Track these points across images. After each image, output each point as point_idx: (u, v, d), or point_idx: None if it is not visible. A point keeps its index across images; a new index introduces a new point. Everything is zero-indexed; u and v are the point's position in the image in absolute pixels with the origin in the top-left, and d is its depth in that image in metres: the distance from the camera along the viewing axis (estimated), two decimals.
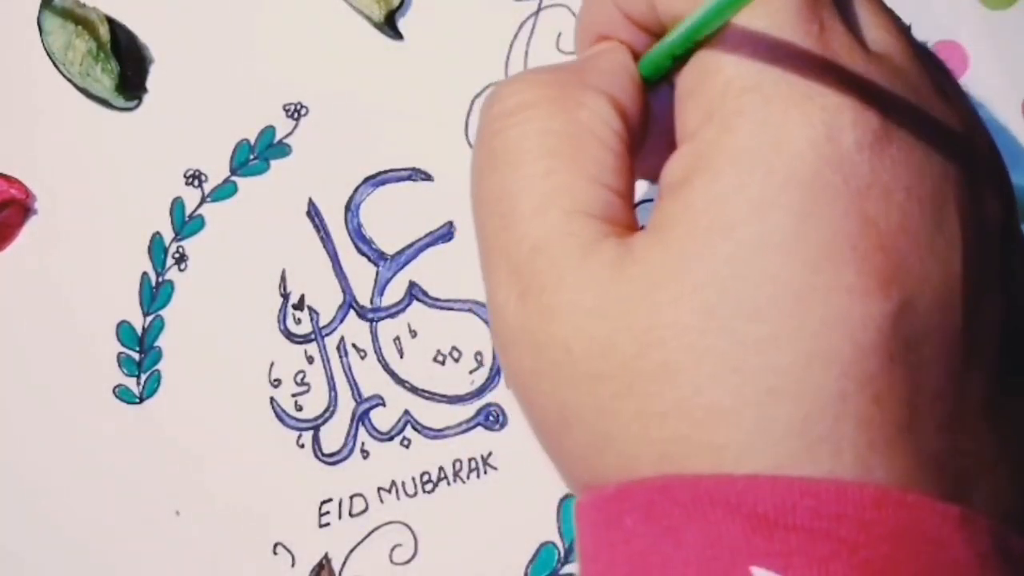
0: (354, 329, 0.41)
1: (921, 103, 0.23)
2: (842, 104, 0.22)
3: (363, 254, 0.41)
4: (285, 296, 0.41)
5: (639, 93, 0.26)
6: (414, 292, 0.41)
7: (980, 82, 0.41)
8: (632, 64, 0.26)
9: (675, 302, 0.22)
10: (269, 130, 0.42)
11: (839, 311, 0.21)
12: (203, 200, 0.42)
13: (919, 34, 0.41)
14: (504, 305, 0.24)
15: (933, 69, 0.25)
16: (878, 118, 0.22)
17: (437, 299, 0.41)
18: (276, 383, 0.41)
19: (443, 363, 0.40)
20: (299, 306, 0.41)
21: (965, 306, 0.22)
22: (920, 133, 0.23)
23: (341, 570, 0.40)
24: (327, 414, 0.41)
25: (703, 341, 0.22)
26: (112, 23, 0.42)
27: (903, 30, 0.25)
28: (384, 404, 0.41)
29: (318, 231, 0.41)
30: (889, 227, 0.22)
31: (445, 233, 0.41)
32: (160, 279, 0.41)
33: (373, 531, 0.40)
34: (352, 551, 0.40)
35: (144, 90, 0.42)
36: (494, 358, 0.40)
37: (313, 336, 0.41)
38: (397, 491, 0.40)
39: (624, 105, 0.25)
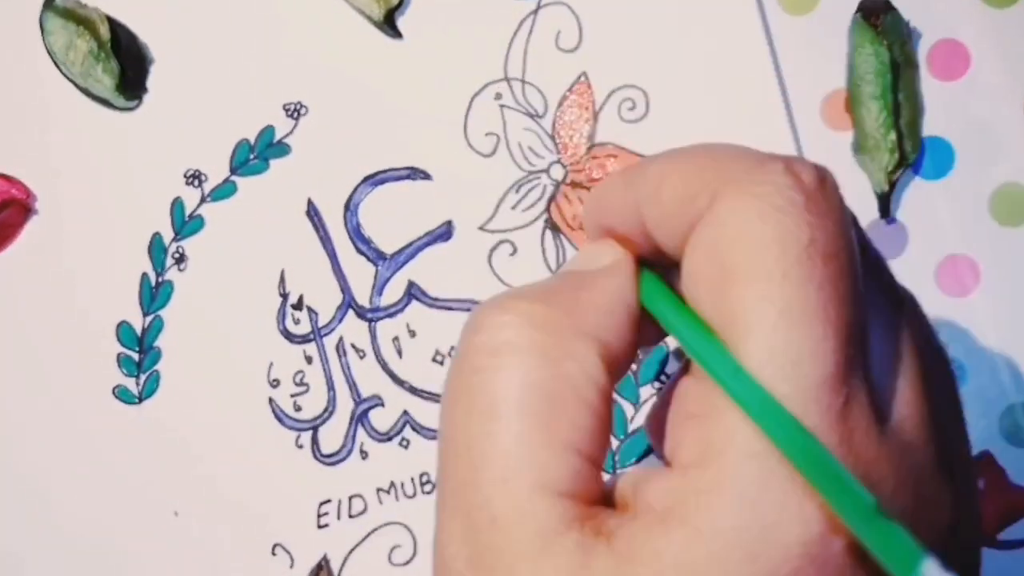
0: (353, 329, 0.41)
1: (919, 485, 0.22)
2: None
3: (362, 254, 0.41)
4: (284, 296, 0.41)
5: (632, 327, 0.25)
6: (413, 292, 0.41)
7: (982, 81, 0.40)
8: (631, 294, 0.25)
9: None
10: (269, 130, 0.42)
11: None
12: (203, 200, 0.42)
13: (920, 34, 0.41)
14: (452, 560, 0.23)
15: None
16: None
17: (436, 299, 0.41)
18: (275, 383, 0.41)
19: (442, 363, 0.40)
20: (298, 306, 0.41)
21: None
22: (908, 519, 0.21)
23: (340, 571, 0.40)
24: (326, 414, 0.41)
25: None
26: (113, 23, 0.42)
27: (927, 398, 0.23)
28: (383, 404, 0.40)
29: (317, 231, 0.41)
30: None
31: (444, 232, 0.41)
32: (160, 279, 0.41)
33: (372, 532, 0.40)
34: (351, 552, 0.40)
35: (144, 90, 0.42)
36: None
37: (312, 336, 0.41)
38: (396, 492, 0.40)
39: (614, 351, 0.24)
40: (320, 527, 0.40)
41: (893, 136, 0.39)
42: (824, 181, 0.23)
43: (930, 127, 0.41)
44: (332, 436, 0.40)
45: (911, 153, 0.40)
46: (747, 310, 0.22)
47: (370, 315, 0.41)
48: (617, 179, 0.25)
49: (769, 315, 0.21)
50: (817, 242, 0.22)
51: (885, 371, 0.23)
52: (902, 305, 0.25)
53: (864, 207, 0.40)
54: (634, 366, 0.40)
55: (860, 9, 0.40)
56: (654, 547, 0.21)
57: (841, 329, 0.21)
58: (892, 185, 0.40)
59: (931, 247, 0.40)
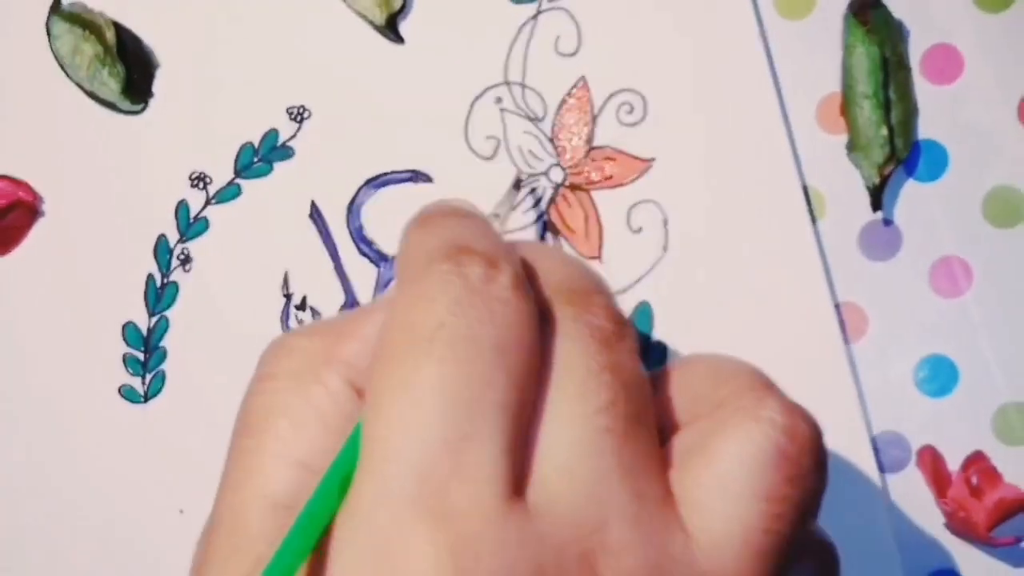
0: None
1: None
2: (421, 565, 0.21)
3: (364, 255, 0.41)
4: (288, 297, 0.41)
5: None
6: None
7: (975, 84, 0.41)
8: None
9: None
10: (272, 133, 0.42)
11: None
12: (208, 202, 0.42)
13: (913, 38, 0.41)
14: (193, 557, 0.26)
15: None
16: None
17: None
18: None
19: None
20: (302, 307, 0.41)
21: None
22: None
23: None
24: None
25: None
26: (119, 28, 0.42)
27: (599, 454, 0.23)
28: None
29: (320, 232, 0.41)
30: None
31: None
32: (165, 280, 0.42)
33: None
34: None
35: (150, 94, 0.42)
36: None
37: None
38: None
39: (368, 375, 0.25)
40: None
41: (884, 131, 0.40)
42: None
43: (924, 130, 0.41)
44: None
45: (902, 150, 0.40)
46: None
47: None
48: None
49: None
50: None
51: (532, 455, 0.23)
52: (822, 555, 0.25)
53: (857, 207, 0.41)
54: None
55: (851, 6, 0.40)
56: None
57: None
58: (883, 180, 0.40)
59: (925, 249, 0.41)
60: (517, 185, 0.41)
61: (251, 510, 0.24)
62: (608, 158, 0.41)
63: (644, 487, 0.23)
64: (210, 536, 0.26)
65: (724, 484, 0.23)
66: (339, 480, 0.23)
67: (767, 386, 0.25)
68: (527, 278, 0.25)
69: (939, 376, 0.40)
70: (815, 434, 0.24)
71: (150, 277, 0.42)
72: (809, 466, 0.24)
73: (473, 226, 0.26)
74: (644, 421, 0.24)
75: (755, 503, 0.23)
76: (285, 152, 0.42)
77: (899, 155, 0.40)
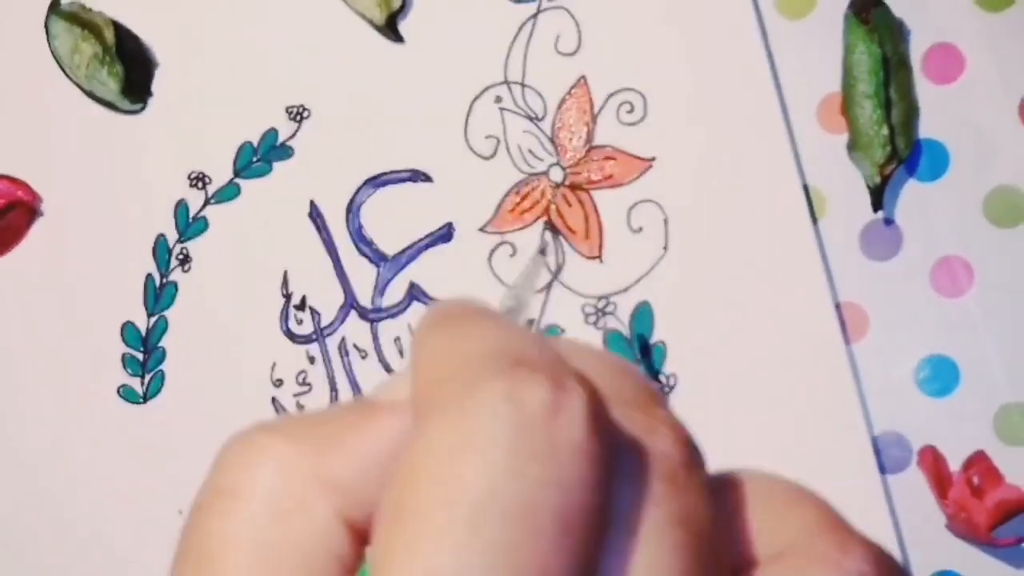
0: (355, 329, 0.41)
1: None
2: None
3: (364, 255, 0.41)
4: (287, 297, 0.41)
5: None
6: (414, 293, 0.41)
7: (976, 84, 0.41)
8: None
9: None
10: (271, 132, 0.42)
11: None
12: (207, 202, 0.42)
13: (914, 37, 0.41)
14: None
15: None
16: None
17: (437, 299, 0.41)
18: (278, 383, 0.41)
19: None
20: (301, 307, 0.41)
21: None
22: None
23: None
24: None
25: None
26: (118, 27, 0.42)
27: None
28: None
29: (320, 232, 0.41)
30: None
31: (445, 234, 0.41)
32: (164, 280, 0.42)
33: None
34: None
35: (149, 93, 0.42)
36: None
37: (315, 336, 0.41)
38: None
39: (366, 506, 0.20)
40: None
41: (885, 131, 0.40)
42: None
43: (925, 130, 0.41)
44: None
45: (904, 149, 0.40)
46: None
47: (372, 316, 0.41)
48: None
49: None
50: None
51: None
52: None
53: (858, 207, 0.41)
54: None
55: (851, 5, 0.40)
56: None
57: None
58: (884, 179, 0.40)
59: (926, 248, 0.40)
60: (543, 251, 0.40)
61: None
62: (608, 157, 0.41)
63: None
64: None
65: None
66: None
67: (843, 528, 0.22)
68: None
69: (940, 376, 0.40)
70: None
71: (149, 277, 0.42)
72: None
73: (518, 329, 0.21)
74: (716, 565, 0.20)
75: None
76: (284, 152, 0.42)
77: (900, 155, 0.40)
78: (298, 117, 0.42)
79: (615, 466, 0.19)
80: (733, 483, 0.22)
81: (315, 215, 0.42)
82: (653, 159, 0.41)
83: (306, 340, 0.41)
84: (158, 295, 0.42)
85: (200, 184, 0.42)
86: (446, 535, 0.18)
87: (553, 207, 0.41)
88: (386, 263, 0.41)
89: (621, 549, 0.19)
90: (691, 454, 0.20)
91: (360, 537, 0.20)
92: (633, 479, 0.19)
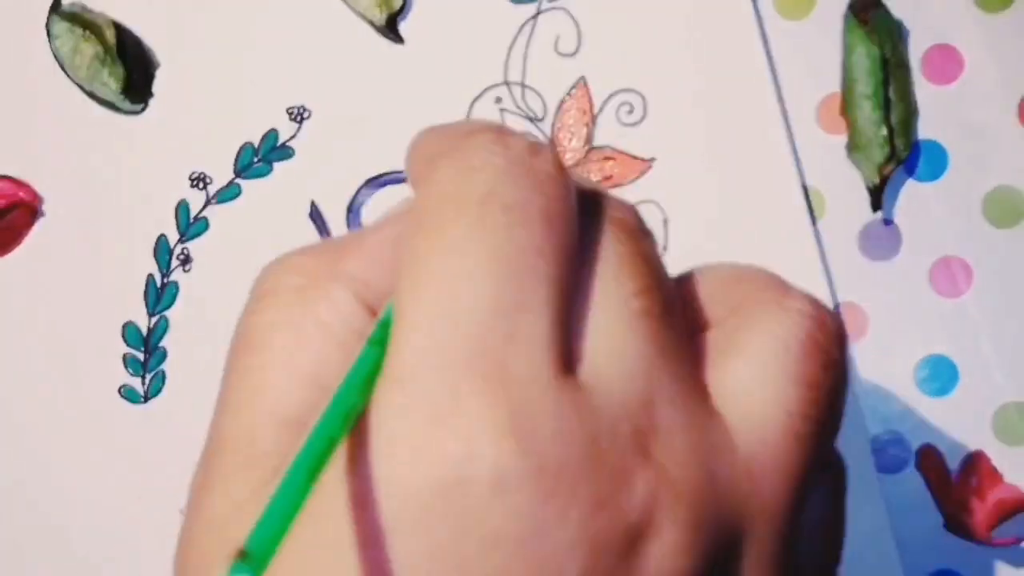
0: None
1: (589, 447, 0.21)
2: (481, 428, 0.20)
3: None
4: None
5: None
6: None
7: (975, 85, 0.41)
8: None
9: None
10: (272, 133, 0.42)
11: None
12: (208, 202, 0.42)
13: (913, 38, 0.41)
14: (191, 485, 0.25)
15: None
16: (514, 459, 0.20)
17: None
18: None
19: None
20: None
21: None
22: (563, 483, 0.20)
23: None
24: None
25: None
26: (119, 28, 0.42)
27: (640, 336, 0.22)
28: None
29: (320, 232, 0.41)
30: (482, 574, 0.20)
31: None
32: (165, 280, 0.42)
33: None
34: None
35: (150, 94, 0.42)
36: None
37: None
38: None
39: (380, 292, 0.24)
40: None
41: (884, 131, 0.40)
42: (536, 149, 0.23)
43: (924, 130, 0.41)
44: None
45: (902, 150, 0.40)
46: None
47: None
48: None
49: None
50: (497, 194, 0.22)
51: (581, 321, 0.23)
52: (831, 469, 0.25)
53: (857, 207, 0.41)
54: None
55: (851, 6, 0.40)
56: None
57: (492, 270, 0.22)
58: (883, 180, 0.40)
59: (925, 249, 0.41)
60: None
61: (259, 428, 0.23)
62: (608, 158, 0.41)
63: (682, 372, 0.23)
64: (211, 459, 0.24)
65: (761, 370, 0.23)
66: (370, 364, 0.21)
67: (786, 284, 0.25)
68: None
69: (939, 376, 0.40)
70: (840, 326, 0.24)
71: (150, 277, 0.42)
72: (839, 356, 0.24)
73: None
74: (675, 311, 0.23)
75: (793, 388, 0.23)
76: (285, 152, 0.42)
77: (899, 155, 0.40)
78: (299, 118, 0.42)
79: (585, 223, 0.23)
80: (687, 273, 0.26)
81: (315, 215, 0.42)
82: (653, 160, 0.41)
83: None
84: (159, 295, 0.42)
85: (201, 184, 0.42)
86: (459, 222, 0.22)
87: None
88: None
89: (596, 268, 0.23)
90: (645, 226, 0.24)
91: (372, 307, 0.24)
92: (599, 229, 0.23)
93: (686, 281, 0.26)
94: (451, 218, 0.22)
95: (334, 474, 0.21)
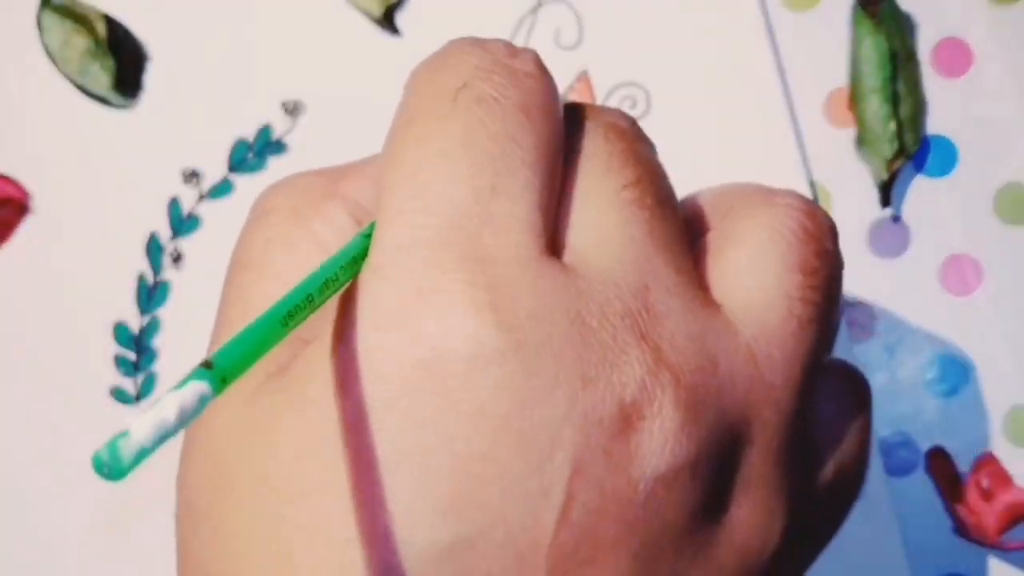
0: None
1: (574, 325, 0.21)
2: (458, 305, 0.21)
3: None
4: None
5: None
6: None
7: (986, 78, 0.40)
8: None
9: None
10: (266, 128, 0.41)
11: (382, 526, 0.20)
12: (200, 199, 0.41)
13: (922, 31, 0.40)
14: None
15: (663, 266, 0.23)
16: (491, 332, 0.20)
17: None
18: None
19: None
20: None
21: (552, 569, 0.21)
22: (545, 359, 0.21)
23: None
24: None
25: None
26: (110, 21, 0.42)
27: (631, 222, 0.23)
28: None
29: None
30: (469, 452, 0.20)
31: None
32: (156, 279, 0.41)
33: None
34: None
35: (141, 88, 0.42)
36: None
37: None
38: None
39: (373, 214, 0.24)
40: None
41: (892, 126, 0.39)
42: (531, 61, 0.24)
43: (933, 125, 0.40)
44: None
45: (912, 145, 0.40)
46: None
47: None
48: None
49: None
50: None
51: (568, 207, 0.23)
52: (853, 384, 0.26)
53: (865, 203, 0.40)
54: None
55: None
56: (300, 365, 0.23)
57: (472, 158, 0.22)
58: (892, 175, 0.40)
59: (934, 246, 0.40)
60: None
61: None
62: None
63: (680, 263, 0.23)
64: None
65: (758, 258, 0.23)
66: (350, 257, 0.22)
67: (775, 188, 0.26)
68: None
69: (949, 376, 0.40)
70: (829, 219, 0.25)
71: (141, 276, 0.41)
72: (831, 246, 0.24)
73: None
74: (671, 205, 0.24)
75: (790, 274, 0.23)
76: (279, 147, 0.41)
77: (908, 150, 0.40)
78: (293, 112, 0.41)
79: (577, 128, 0.24)
80: (691, 192, 0.26)
81: None
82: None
83: None
84: (150, 294, 0.41)
85: (193, 180, 0.41)
86: (432, 114, 0.23)
87: None
88: None
89: (586, 164, 0.23)
90: (641, 131, 0.24)
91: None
92: (591, 131, 0.24)
93: (685, 200, 0.26)
94: (423, 112, 0.23)
95: (320, 358, 0.22)
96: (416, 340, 0.21)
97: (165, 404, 0.18)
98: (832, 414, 0.25)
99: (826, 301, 0.24)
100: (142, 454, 0.17)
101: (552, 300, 0.21)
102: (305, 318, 0.21)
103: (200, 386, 0.18)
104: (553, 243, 0.22)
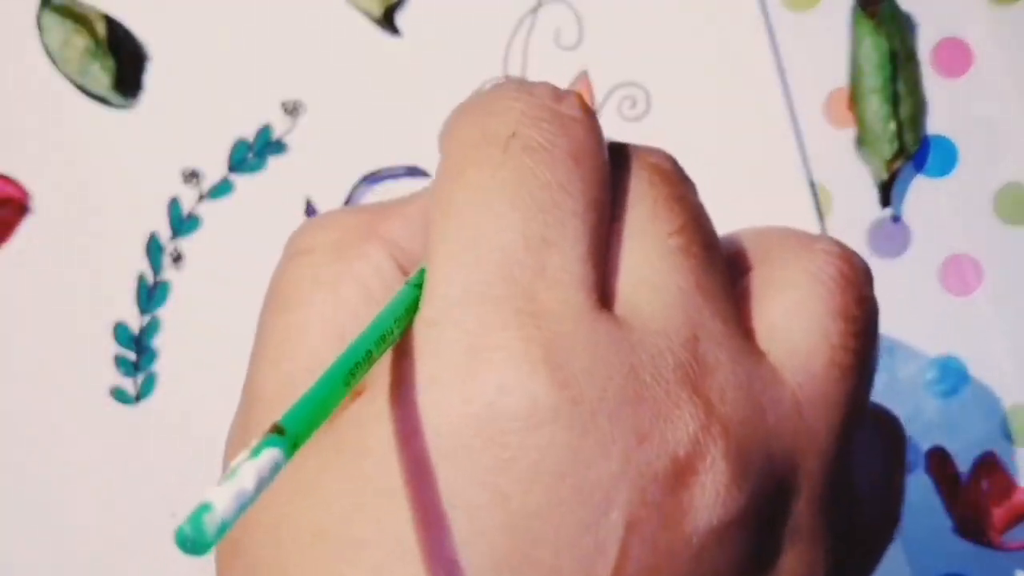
0: None
1: (628, 380, 0.21)
2: (514, 361, 0.21)
3: None
4: None
5: None
6: None
7: (986, 78, 0.40)
8: None
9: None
10: (266, 128, 0.41)
11: None
12: (200, 199, 0.41)
13: (922, 31, 0.40)
14: (227, 438, 0.25)
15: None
16: (547, 389, 0.20)
17: None
18: None
19: None
20: None
21: None
22: (600, 416, 0.21)
23: None
24: None
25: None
26: (110, 21, 0.42)
27: (679, 272, 0.23)
28: None
29: None
30: (524, 509, 0.20)
31: None
32: (156, 279, 0.41)
33: None
34: None
35: (141, 88, 0.42)
36: None
37: None
38: None
39: (415, 256, 0.24)
40: None
41: (892, 126, 0.39)
42: (560, 97, 0.24)
43: (933, 125, 0.40)
44: None
45: (912, 145, 0.40)
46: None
47: None
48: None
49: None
50: (521, 136, 0.23)
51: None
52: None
53: (865, 203, 0.40)
54: None
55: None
56: (355, 415, 0.22)
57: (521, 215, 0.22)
58: (892, 175, 0.40)
59: (934, 246, 0.40)
60: None
61: (296, 384, 0.23)
62: None
63: (726, 311, 0.23)
64: (249, 411, 0.24)
65: (800, 305, 0.23)
66: (403, 308, 0.22)
67: (809, 232, 0.26)
68: None
69: (949, 376, 0.40)
70: (866, 265, 0.25)
71: (141, 276, 0.41)
72: (869, 292, 0.24)
73: None
74: (716, 250, 0.24)
75: (831, 320, 0.23)
76: (279, 147, 0.41)
77: (908, 150, 0.40)
78: (293, 112, 0.41)
79: (622, 171, 0.24)
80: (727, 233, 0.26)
81: (311, 212, 0.41)
82: None
83: None
84: (150, 294, 0.41)
85: (194, 180, 0.41)
86: (482, 163, 0.22)
87: None
88: None
89: (633, 210, 0.23)
90: (684, 175, 0.24)
91: (407, 269, 0.24)
92: (636, 175, 0.24)
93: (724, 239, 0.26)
94: (474, 161, 0.23)
95: (375, 412, 0.21)
96: (472, 397, 0.21)
97: (242, 473, 0.17)
98: (870, 459, 0.25)
99: (866, 348, 0.24)
100: (225, 526, 0.17)
101: (606, 355, 0.21)
102: (364, 374, 0.21)
103: (274, 453, 0.18)
104: (602, 292, 0.22)
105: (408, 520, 0.21)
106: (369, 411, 0.22)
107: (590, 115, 0.24)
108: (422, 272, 0.23)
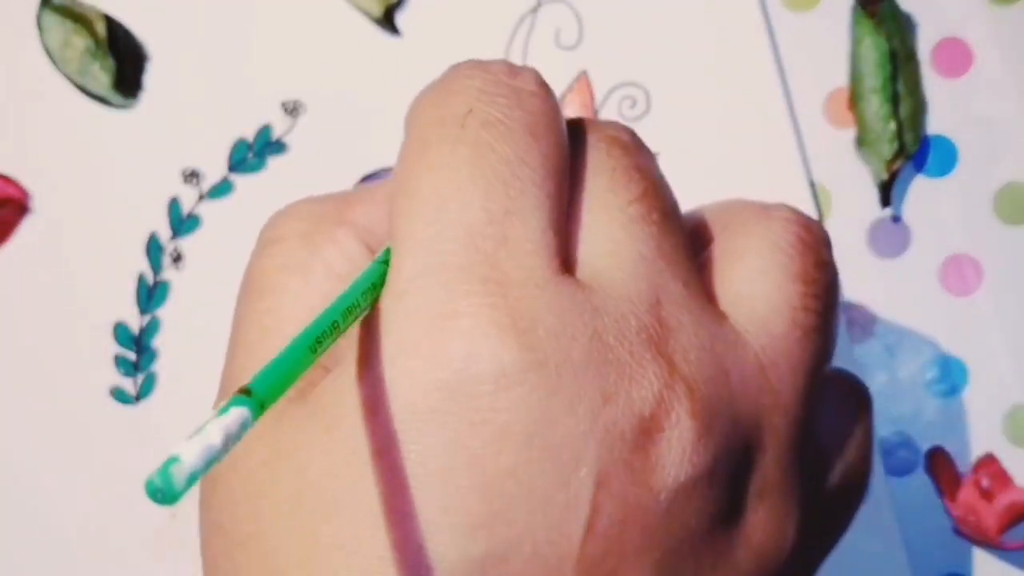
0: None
1: (592, 342, 0.22)
2: (480, 327, 0.21)
3: None
4: None
5: None
6: None
7: (986, 77, 0.40)
8: None
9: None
10: (266, 128, 0.41)
11: (414, 543, 0.21)
12: (200, 199, 0.41)
13: (922, 31, 0.40)
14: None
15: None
16: (514, 353, 0.21)
17: None
18: None
19: None
20: None
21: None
22: (566, 377, 0.21)
23: None
24: None
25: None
26: (110, 21, 0.42)
27: (640, 238, 0.23)
28: None
29: None
30: (496, 470, 0.21)
31: None
32: (156, 279, 0.41)
33: None
34: None
35: (141, 88, 0.42)
36: None
37: None
38: None
39: (385, 239, 0.25)
40: None
41: (892, 126, 0.39)
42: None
43: (933, 125, 0.40)
44: None
45: (912, 145, 0.40)
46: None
47: None
48: None
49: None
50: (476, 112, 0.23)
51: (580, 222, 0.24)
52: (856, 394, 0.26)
53: (865, 203, 0.40)
54: None
55: None
56: (329, 383, 0.23)
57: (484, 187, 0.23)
58: (892, 175, 0.40)
59: (934, 246, 0.40)
60: None
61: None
62: None
63: (688, 275, 0.23)
64: (226, 396, 0.25)
65: (761, 270, 0.24)
66: (369, 283, 0.22)
67: (769, 202, 0.26)
68: None
69: (949, 376, 0.40)
70: (824, 231, 0.26)
71: (141, 276, 0.41)
72: (827, 257, 0.25)
73: None
74: (676, 217, 0.24)
75: (792, 284, 0.24)
76: (279, 147, 0.41)
77: (908, 150, 0.40)
78: (294, 112, 0.41)
79: (580, 143, 0.24)
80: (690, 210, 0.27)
81: None
82: (656, 155, 0.40)
83: None
84: (150, 294, 0.41)
85: (194, 180, 0.41)
86: (442, 141, 0.23)
87: None
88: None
89: (592, 181, 0.24)
90: (643, 144, 0.25)
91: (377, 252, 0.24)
92: (594, 147, 0.24)
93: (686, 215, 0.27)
94: (434, 139, 0.23)
95: (348, 381, 0.22)
96: (441, 364, 0.21)
97: (210, 429, 0.18)
98: (835, 421, 0.26)
99: (826, 309, 0.24)
100: (193, 478, 0.18)
101: (570, 318, 0.22)
102: (331, 344, 0.21)
103: (242, 412, 0.19)
104: (565, 260, 0.23)
105: (382, 484, 0.21)
106: (342, 381, 0.22)
107: (546, 89, 0.24)
108: (389, 250, 0.23)
